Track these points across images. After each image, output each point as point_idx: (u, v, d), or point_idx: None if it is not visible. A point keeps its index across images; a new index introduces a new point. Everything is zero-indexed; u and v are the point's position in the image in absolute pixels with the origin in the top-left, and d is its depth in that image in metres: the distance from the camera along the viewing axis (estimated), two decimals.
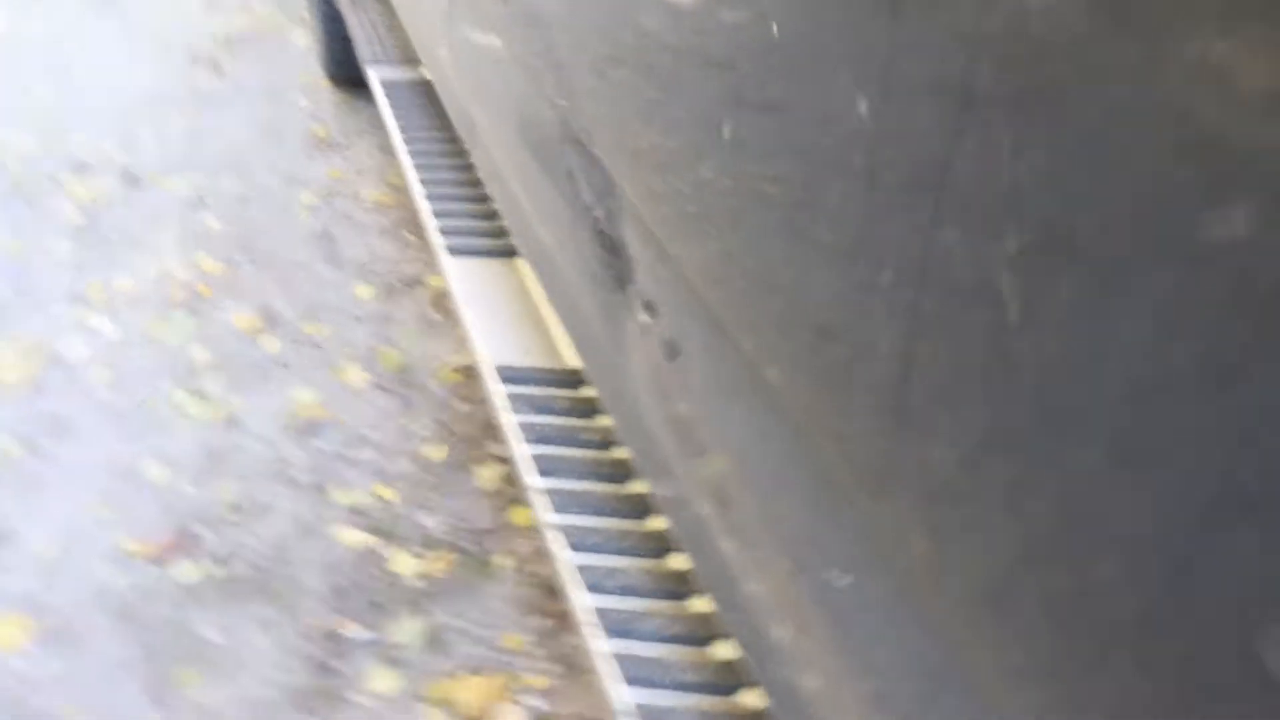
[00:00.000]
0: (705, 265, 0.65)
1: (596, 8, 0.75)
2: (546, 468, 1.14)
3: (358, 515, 1.67)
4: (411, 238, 2.44)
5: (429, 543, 1.61)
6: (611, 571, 1.01)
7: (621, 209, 0.78)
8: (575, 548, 1.04)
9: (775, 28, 0.53)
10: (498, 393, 1.26)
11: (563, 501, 1.10)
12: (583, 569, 1.02)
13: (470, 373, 1.99)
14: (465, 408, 1.91)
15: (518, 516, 1.65)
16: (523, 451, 1.17)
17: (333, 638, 1.47)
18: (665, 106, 0.68)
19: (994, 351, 0.42)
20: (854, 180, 0.51)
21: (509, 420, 1.22)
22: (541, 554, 1.59)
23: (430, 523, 1.65)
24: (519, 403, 1.23)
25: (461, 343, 2.08)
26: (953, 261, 0.44)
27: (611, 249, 0.80)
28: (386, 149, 2.87)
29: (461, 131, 1.49)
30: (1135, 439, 0.35)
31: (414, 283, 2.27)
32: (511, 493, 1.70)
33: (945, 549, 0.45)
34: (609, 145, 0.78)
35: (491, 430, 1.83)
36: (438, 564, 1.58)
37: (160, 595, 1.53)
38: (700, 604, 0.98)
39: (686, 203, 0.67)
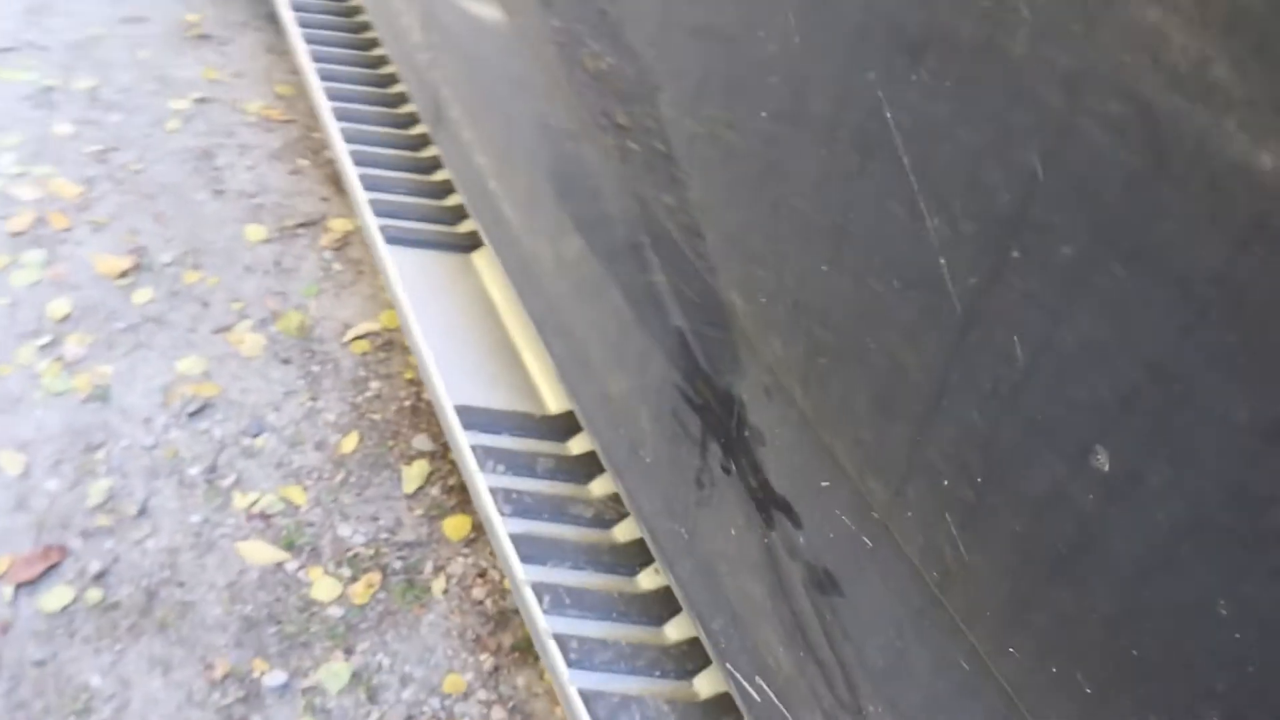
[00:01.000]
0: (899, 498, 0.49)
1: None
2: (531, 552, 0.97)
3: (261, 523, 1.46)
4: (306, 164, 2.13)
5: (350, 560, 1.42)
6: (626, 701, 0.86)
7: (740, 360, 0.59)
8: (575, 665, 0.89)
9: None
10: (461, 443, 1.07)
11: (556, 601, 0.93)
12: (589, 695, 0.86)
13: (385, 344, 1.76)
14: (380, 386, 1.69)
15: (451, 528, 1.47)
16: (499, 527, 1.00)
17: (242, 682, 1.27)
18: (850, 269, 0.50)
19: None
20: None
21: (478, 483, 1.03)
22: (481, 575, 1.43)
23: (349, 534, 1.45)
24: (490, 459, 1.04)
25: (372, 303, 1.83)
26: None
27: (715, 398, 0.61)
28: (274, 49, 2.49)
29: (421, 109, 1.22)
30: None
31: (313, 224, 1.98)
32: (441, 498, 1.51)
33: None
34: (741, 286, 0.57)
35: (414, 419, 1.63)
36: (362, 587, 1.39)
37: (22, 628, 1.28)
38: None
39: (874, 412, 0.49)
